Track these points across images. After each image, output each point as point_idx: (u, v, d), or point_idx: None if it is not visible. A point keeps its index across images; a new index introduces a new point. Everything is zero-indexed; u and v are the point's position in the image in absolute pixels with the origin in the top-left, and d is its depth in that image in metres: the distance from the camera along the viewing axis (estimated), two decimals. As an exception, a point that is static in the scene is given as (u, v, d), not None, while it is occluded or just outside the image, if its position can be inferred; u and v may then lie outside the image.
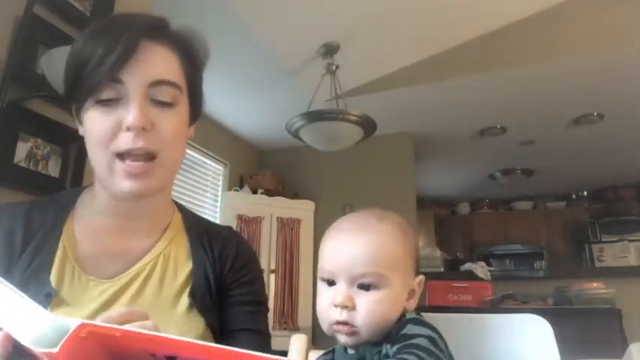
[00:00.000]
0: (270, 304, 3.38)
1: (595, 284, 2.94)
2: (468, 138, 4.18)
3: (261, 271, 0.83)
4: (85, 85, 0.65)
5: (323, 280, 0.67)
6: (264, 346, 0.76)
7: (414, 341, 0.58)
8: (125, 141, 0.64)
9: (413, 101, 3.54)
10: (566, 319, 2.39)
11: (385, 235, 0.66)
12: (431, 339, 0.58)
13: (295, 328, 3.62)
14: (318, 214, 4.04)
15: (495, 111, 3.67)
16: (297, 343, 0.94)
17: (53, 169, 1.54)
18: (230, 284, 0.76)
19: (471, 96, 3.42)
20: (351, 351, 0.68)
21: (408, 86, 3.33)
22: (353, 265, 0.64)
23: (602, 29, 2.83)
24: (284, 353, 0.98)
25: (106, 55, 0.63)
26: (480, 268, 3.40)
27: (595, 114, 3.64)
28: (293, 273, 3.81)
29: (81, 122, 0.70)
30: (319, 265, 0.68)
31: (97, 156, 0.67)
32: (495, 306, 2.96)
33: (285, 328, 3.59)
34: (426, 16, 2.82)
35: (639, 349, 0.77)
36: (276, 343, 0.78)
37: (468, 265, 3.61)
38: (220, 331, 0.73)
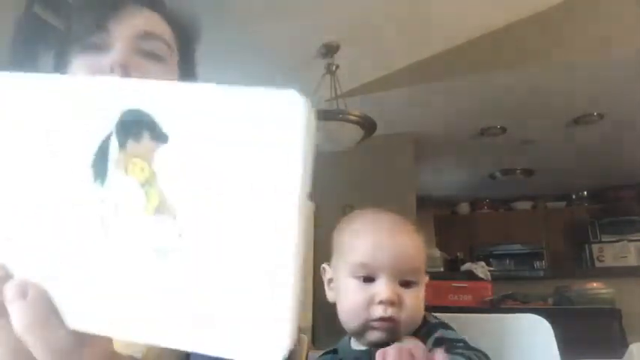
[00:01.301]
0: (270, 304, 3.32)
1: (595, 284, 2.94)
2: (468, 138, 4.18)
3: None
4: (70, 38, 0.63)
5: (357, 277, 0.66)
6: None
7: (460, 344, 0.61)
8: None
9: (413, 101, 3.53)
10: (566, 319, 2.38)
11: (417, 235, 0.70)
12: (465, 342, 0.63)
13: (295, 328, 3.61)
14: (318, 214, 4.03)
15: (495, 111, 3.67)
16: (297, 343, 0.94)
17: (53, 169, 1.54)
18: None
19: (471, 96, 3.41)
20: (356, 346, 0.68)
21: (408, 86, 3.32)
22: (399, 261, 0.65)
23: (602, 29, 2.83)
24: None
25: (91, 9, 0.63)
26: (480, 268, 3.40)
27: (595, 114, 3.64)
28: (293, 273, 3.81)
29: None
30: (353, 261, 0.66)
31: None
32: (495, 306, 2.96)
33: (285, 328, 3.58)
34: (426, 16, 2.82)
35: (639, 349, 0.77)
36: (275, 343, 0.76)
37: (468, 265, 3.60)
38: None
